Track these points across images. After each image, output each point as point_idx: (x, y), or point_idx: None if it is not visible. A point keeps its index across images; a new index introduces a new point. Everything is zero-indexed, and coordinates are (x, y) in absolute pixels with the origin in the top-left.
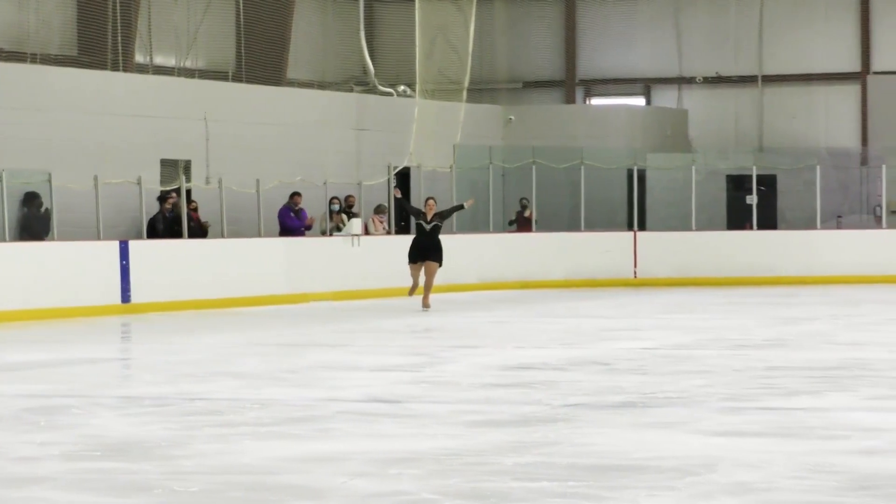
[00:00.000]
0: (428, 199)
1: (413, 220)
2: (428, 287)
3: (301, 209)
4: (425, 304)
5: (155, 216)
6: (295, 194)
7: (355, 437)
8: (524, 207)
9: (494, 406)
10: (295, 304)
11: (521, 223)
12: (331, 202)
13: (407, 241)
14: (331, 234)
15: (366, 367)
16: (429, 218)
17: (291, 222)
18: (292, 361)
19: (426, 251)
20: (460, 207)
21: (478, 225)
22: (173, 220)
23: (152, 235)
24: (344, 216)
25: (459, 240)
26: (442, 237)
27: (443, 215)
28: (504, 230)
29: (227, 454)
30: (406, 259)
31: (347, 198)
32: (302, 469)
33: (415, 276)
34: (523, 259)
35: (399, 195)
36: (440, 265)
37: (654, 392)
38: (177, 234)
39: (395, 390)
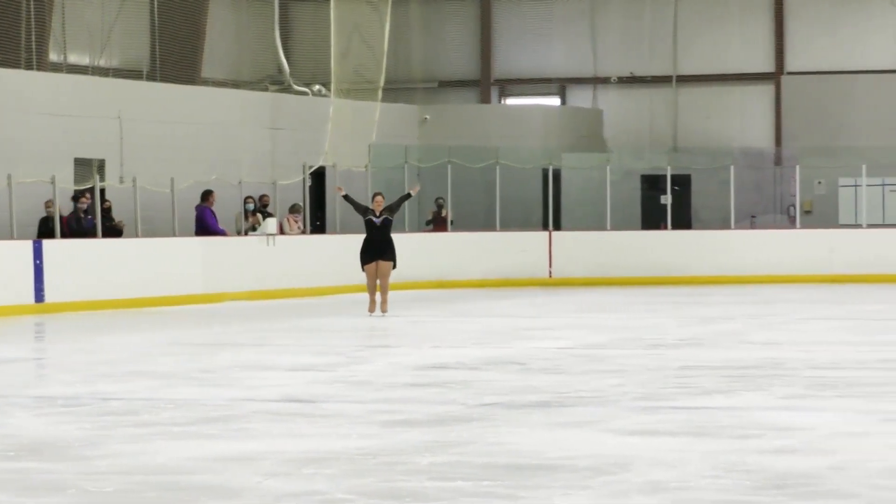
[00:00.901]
0: (375, 194)
1: (363, 219)
2: (384, 290)
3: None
4: (383, 309)
5: (69, 215)
6: (208, 192)
7: (270, 436)
8: (440, 207)
9: (410, 406)
10: (211, 303)
11: (438, 223)
12: (245, 201)
13: (322, 241)
14: (246, 234)
15: (281, 366)
16: (378, 213)
17: (214, 223)
18: (208, 361)
19: (379, 249)
20: (407, 196)
21: (394, 224)
22: (78, 219)
23: (66, 235)
24: (259, 216)
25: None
26: (356, 237)
27: (392, 208)
28: (420, 230)
29: (142, 454)
30: (361, 264)
31: (262, 197)
32: (217, 469)
33: (371, 284)
34: (440, 258)
35: (343, 192)
36: (394, 265)
37: (569, 391)
38: (87, 233)
39: (311, 390)
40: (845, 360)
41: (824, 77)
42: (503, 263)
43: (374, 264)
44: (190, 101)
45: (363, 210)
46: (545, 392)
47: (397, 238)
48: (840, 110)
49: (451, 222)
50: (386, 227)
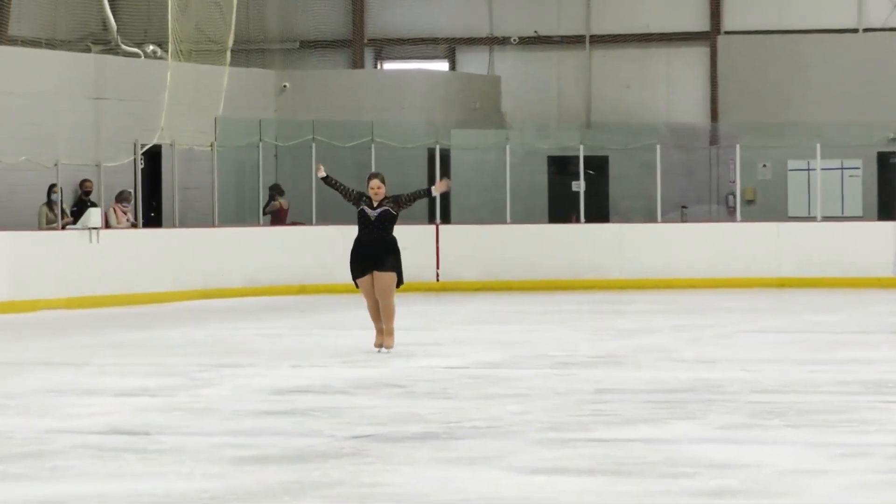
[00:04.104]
0: (372, 176)
1: (356, 210)
2: (386, 315)
3: None
4: (387, 344)
5: None
6: (85, 181)
7: (93, 476)
8: (272, 196)
9: (265, 438)
10: (19, 312)
11: (276, 215)
12: (50, 191)
13: (158, 237)
14: (63, 228)
15: (106, 390)
16: (375, 203)
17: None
18: (14, 384)
19: (374, 255)
20: (426, 193)
21: (244, 216)
22: None
23: None
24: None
25: (221, 235)
26: (198, 232)
27: (399, 201)
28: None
29: None
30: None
31: (83, 183)
32: None
33: (370, 305)
34: (299, 259)
35: (323, 174)
36: (399, 279)
37: (460, 420)
38: None
39: (143, 419)
40: (794, 381)
41: (769, 38)
42: None
43: (368, 277)
44: None
45: (355, 197)
46: (431, 421)
47: (248, 233)
48: (789, 78)
49: (296, 215)
50: (385, 222)
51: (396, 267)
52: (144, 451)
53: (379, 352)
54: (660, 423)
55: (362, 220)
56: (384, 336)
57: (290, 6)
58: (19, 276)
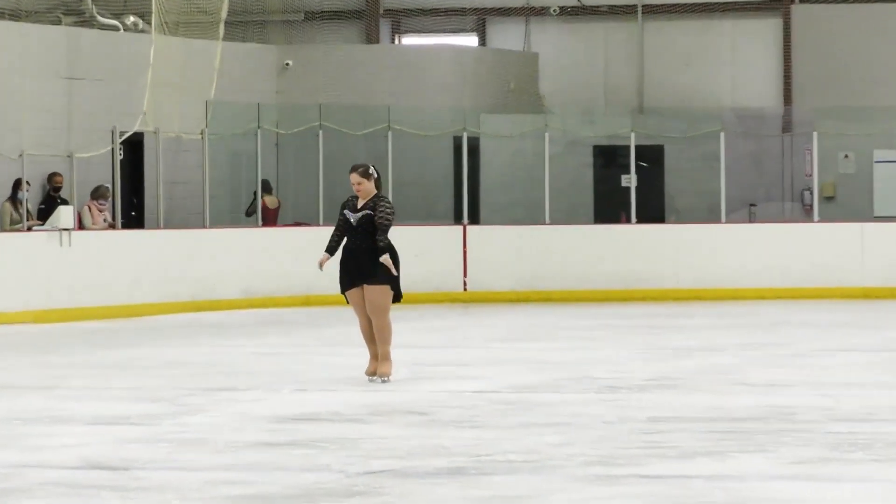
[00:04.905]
0: (352, 169)
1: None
2: (380, 336)
3: None
4: (380, 372)
5: None
6: (55, 175)
7: None
8: (257, 194)
9: (264, 474)
10: None
11: (266, 214)
12: (15, 188)
13: (139, 239)
14: (29, 229)
15: (80, 418)
16: (358, 205)
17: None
18: None
19: (360, 265)
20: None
21: (240, 216)
22: None
23: None
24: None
25: (213, 237)
26: (187, 234)
27: (376, 213)
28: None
29: None
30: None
31: (52, 176)
32: None
33: (362, 322)
34: (307, 265)
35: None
36: (396, 295)
37: (491, 453)
38: None
39: (123, 452)
40: (881, 408)
41: (852, 7)
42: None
43: (357, 290)
44: None
45: (342, 206)
46: (457, 454)
47: (244, 235)
48: (875, 54)
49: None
50: (369, 227)
51: (390, 279)
52: (124, 488)
53: (371, 381)
54: (723, 457)
55: (346, 226)
56: (378, 362)
57: None
58: None
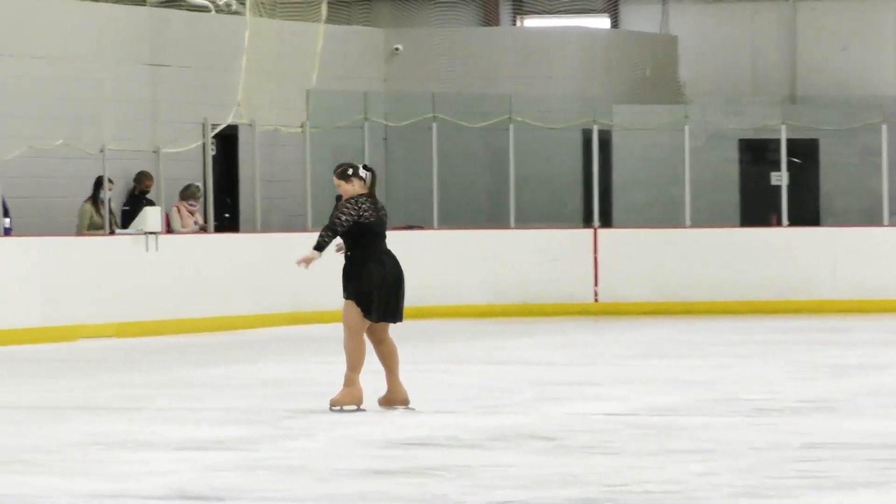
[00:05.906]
0: (334, 169)
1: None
2: (348, 360)
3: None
4: (332, 400)
5: None
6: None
7: None
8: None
9: None
10: (55, 342)
11: None
12: (97, 186)
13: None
14: (111, 233)
15: (167, 443)
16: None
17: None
18: (50, 434)
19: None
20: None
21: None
22: None
23: None
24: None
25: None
26: (286, 237)
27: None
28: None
29: None
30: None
31: (142, 177)
32: None
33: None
34: (414, 271)
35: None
36: (364, 308)
37: (627, 483)
38: None
39: (214, 481)
40: None
41: None
42: (520, 279)
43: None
44: (19, 22)
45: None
46: (588, 483)
47: None
48: None
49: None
50: (350, 234)
51: (357, 293)
52: None
53: (387, 409)
54: (886, 488)
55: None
56: (388, 389)
57: None
58: (54, 294)
